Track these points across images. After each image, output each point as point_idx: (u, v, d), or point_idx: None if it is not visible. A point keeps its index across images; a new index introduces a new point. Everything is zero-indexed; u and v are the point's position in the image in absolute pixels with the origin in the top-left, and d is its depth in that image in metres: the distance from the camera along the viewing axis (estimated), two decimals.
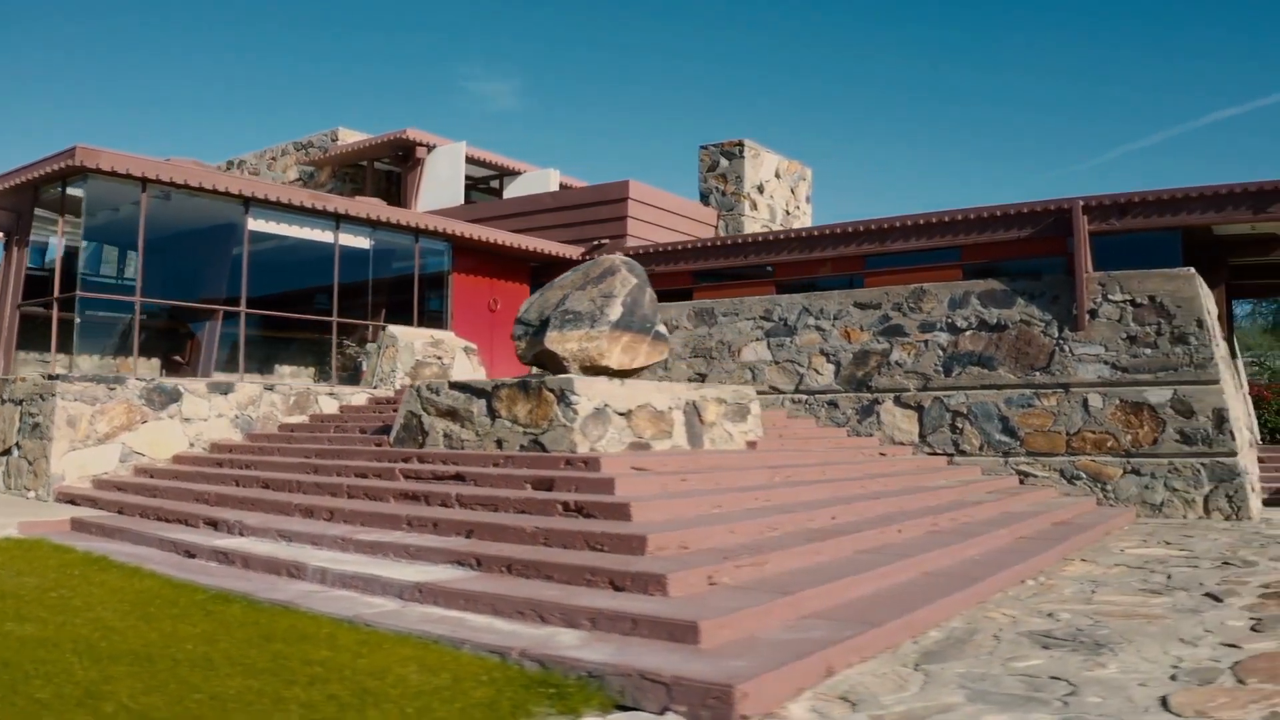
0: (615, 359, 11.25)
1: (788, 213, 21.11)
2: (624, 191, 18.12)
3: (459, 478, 9.72)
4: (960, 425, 14.70)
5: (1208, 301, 14.90)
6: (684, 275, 17.54)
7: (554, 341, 11.14)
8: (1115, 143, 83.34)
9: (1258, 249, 16.13)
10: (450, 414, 11.13)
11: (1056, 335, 14.26)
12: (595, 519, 8.02)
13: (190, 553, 9.00)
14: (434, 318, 16.33)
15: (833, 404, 15.68)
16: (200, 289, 15.59)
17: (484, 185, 22.73)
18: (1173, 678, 5.25)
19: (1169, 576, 8.55)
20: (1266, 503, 14.65)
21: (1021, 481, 14.09)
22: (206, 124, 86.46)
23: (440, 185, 20.35)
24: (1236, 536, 11.43)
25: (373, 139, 20.73)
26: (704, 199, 20.51)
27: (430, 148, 20.72)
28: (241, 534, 9.39)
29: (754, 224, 19.81)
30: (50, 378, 12.11)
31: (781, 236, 16.41)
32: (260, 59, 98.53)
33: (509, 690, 4.97)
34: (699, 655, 5.38)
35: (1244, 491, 12.86)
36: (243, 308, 14.17)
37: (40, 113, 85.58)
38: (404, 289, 16.03)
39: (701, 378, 16.74)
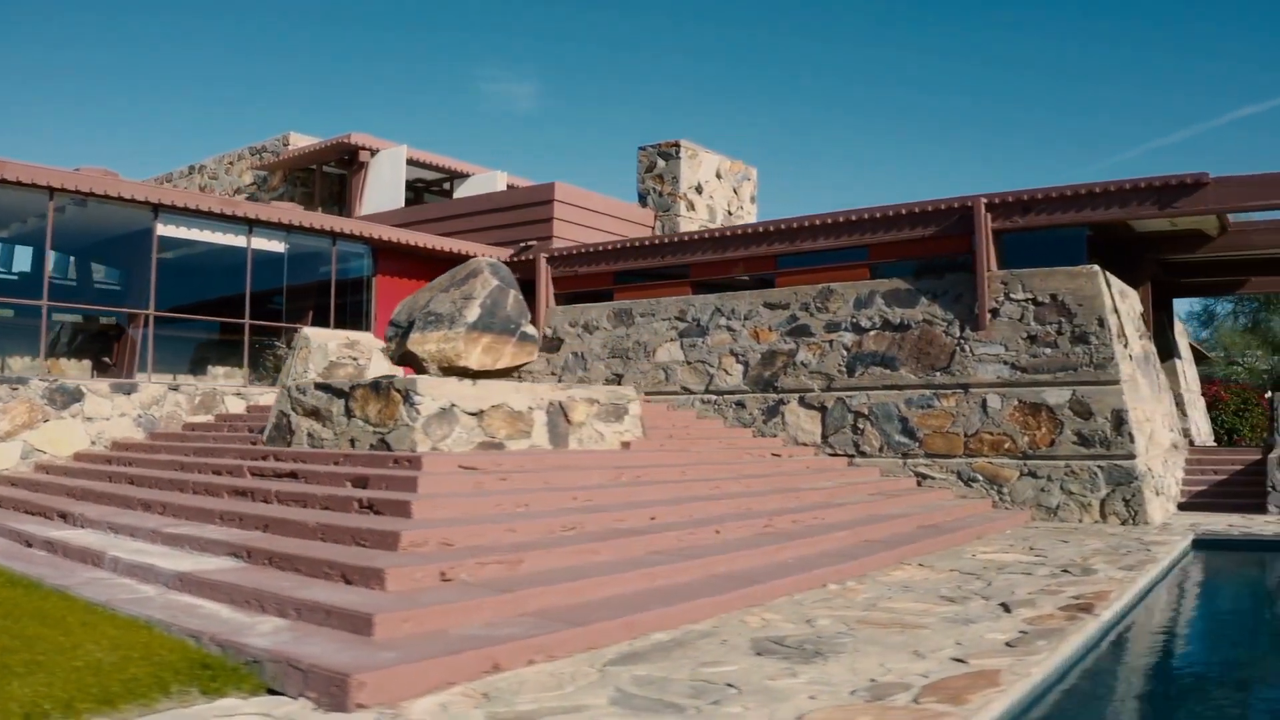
0: (475, 359, 11.33)
1: (730, 213, 21.04)
2: (550, 193, 18.20)
3: (293, 475, 9.87)
4: (861, 426, 14.57)
5: (1124, 301, 14.66)
6: (605, 276, 17.56)
7: (415, 343, 11.25)
8: (1136, 141, 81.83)
9: (1184, 245, 15.81)
10: (314, 414, 11.28)
11: (958, 335, 14.08)
12: (381, 515, 8.10)
13: (28, 542, 9.24)
14: (361, 319, 16.57)
15: (740, 404, 15.62)
16: (127, 294, 15.94)
17: (436, 188, 22.97)
18: (853, 691, 5.07)
19: (988, 584, 8.38)
20: (1185, 506, 14.35)
21: (919, 484, 13.93)
22: (216, 124, 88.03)
23: (383, 188, 20.60)
24: (1109, 542, 11.21)
25: (320, 143, 21.03)
26: (642, 200, 20.52)
27: (374, 151, 20.98)
28: (78, 525, 9.61)
29: (691, 224, 19.77)
30: None
31: (696, 237, 16.38)
32: (270, 60, 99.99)
33: (170, 669, 5.13)
34: (365, 645, 5.45)
35: (1141, 496, 12.60)
36: (151, 310, 14.48)
37: (55, 122, 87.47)
38: (329, 292, 16.27)
39: (618, 378, 16.76)
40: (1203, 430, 19.13)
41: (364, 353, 15.80)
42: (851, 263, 15.33)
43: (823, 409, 14.87)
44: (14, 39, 79.27)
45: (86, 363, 16.47)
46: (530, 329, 12.00)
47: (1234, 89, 77.17)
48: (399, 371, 16.34)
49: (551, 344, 17.74)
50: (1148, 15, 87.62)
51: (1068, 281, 13.57)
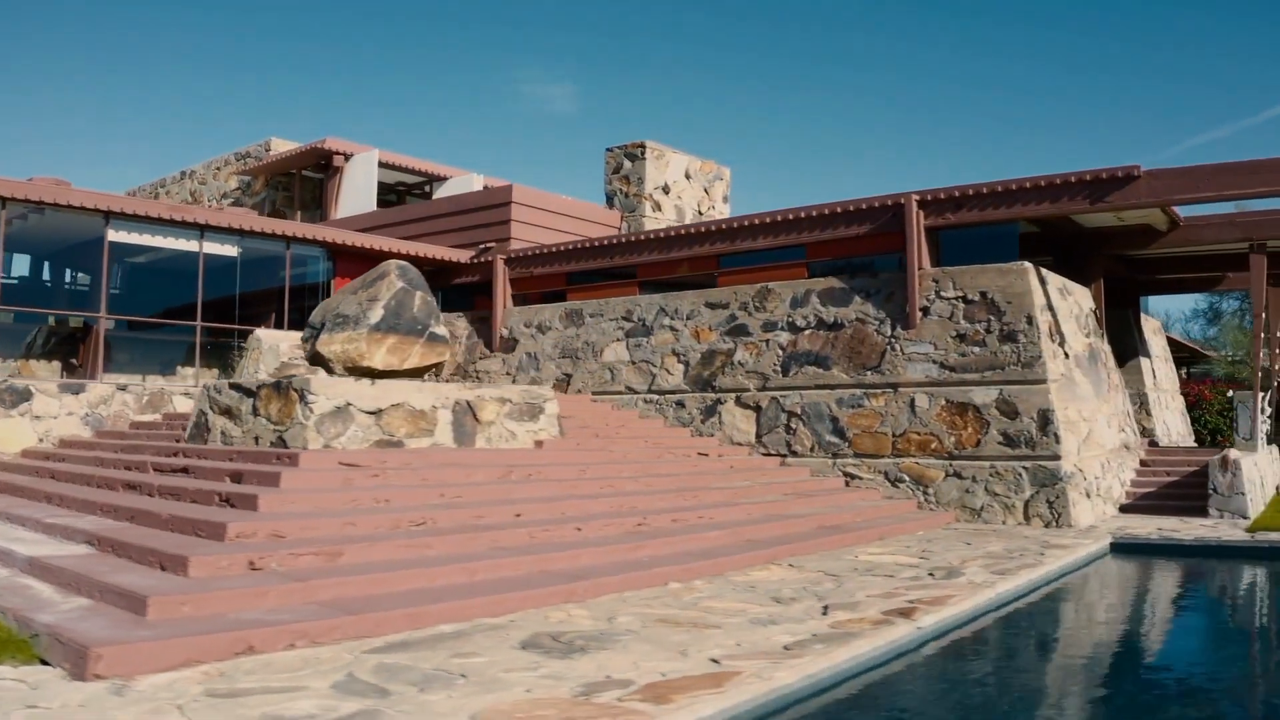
0: (380, 359, 11.68)
1: (700, 213, 21.14)
2: (508, 196, 18.48)
3: (185, 470, 10.30)
4: (794, 426, 14.61)
5: (1066, 298, 14.51)
6: (559, 277, 17.79)
7: (322, 344, 11.63)
8: (1179, 138, 79.76)
9: (1135, 241, 15.60)
10: (227, 412, 11.72)
11: (889, 334, 14.07)
12: (233, 509, 8.43)
13: None
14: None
15: (680, 404, 15.75)
16: (94, 298, 16.64)
17: (418, 191, 23.45)
18: (574, 688, 5.20)
19: (838, 585, 8.29)
20: (1129, 509, 14.15)
21: (847, 484, 13.92)
22: (257, 122, 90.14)
23: (356, 192, 21.10)
24: (1012, 545, 11.13)
25: (297, 148, 21.64)
26: (610, 201, 20.75)
27: (348, 156, 21.50)
28: None
29: (657, 224, 19.94)
30: None
31: (642, 238, 16.55)
32: (313, 63, 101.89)
33: None
34: (133, 624, 5.79)
35: (1065, 498, 12.49)
36: (102, 314, 15.13)
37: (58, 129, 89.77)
38: (291, 294, 16.80)
39: (568, 378, 17.00)
40: (1173, 431, 18.75)
41: None
42: (790, 262, 15.39)
43: (758, 409, 14.96)
44: (10, 45, 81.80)
45: (57, 364, 17.19)
46: (440, 330, 12.32)
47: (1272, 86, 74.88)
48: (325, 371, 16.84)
49: (507, 344, 18.06)
50: (1189, 11, 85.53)
51: (998, 279, 13.49)
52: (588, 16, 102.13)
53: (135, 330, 17.94)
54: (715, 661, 5.82)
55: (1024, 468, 12.78)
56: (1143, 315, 19.24)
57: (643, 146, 20.00)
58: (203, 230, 15.22)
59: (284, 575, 6.95)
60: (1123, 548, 11.40)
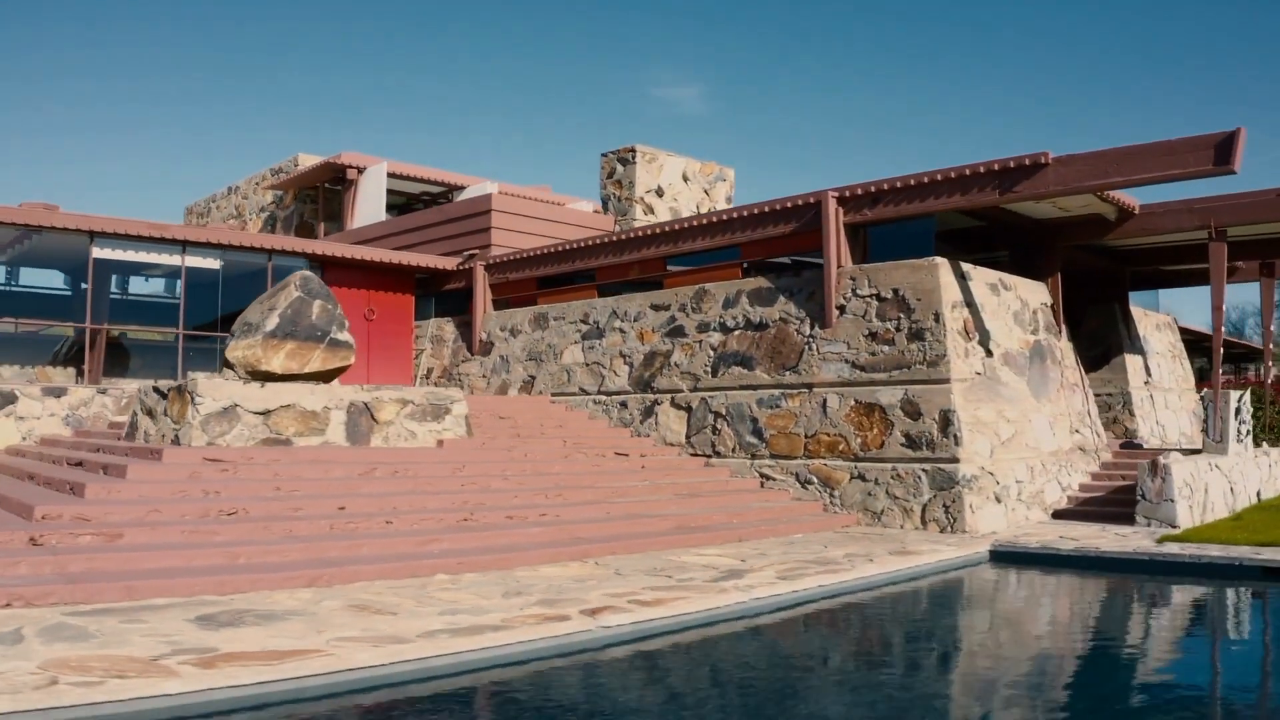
0: (278, 364, 12.72)
1: None
2: (488, 204, 19.27)
3: (80, 464, 11.66)
4: (719, 427, 14.80)
5: (999, 294, 14.16)
6: (530, 282, 18.47)
7: (229, 350, 12.80)
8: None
9: (1091, 231, 14.98)
10: (149, 412, 13.03)
11: (808, 333, 14.09)
12: (72, 495, 9.61)
13: None
14: None
15: (624, 405, 16.16)
16: (98, 310, 18.67)
17: (442, 200, 24.56)
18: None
19: (604, 582, 8.80)
20: (1064, 514, 13.63)
21: (762, 485, 13.99)
22: (412, 130, 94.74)
23: (369, 203, 22.46)
24: (868, 549, 11.15)
25: (316, 163, 23.21)
26: (605, 205, 21.32)
27: (361, 170, 22.90)
28: None
29: None
30: None
31: (597, 242, 17.07)
32: (470, 81, 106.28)
33: None
34: None
35: (960, 502, 12.23)
36: (88, 324, 16.98)
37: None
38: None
39: (533, 379, 17.70)
40: (1176, 432, 17.68)
41: None
42: (727, 263, 15.59)
43: (689, 410, 15.24)
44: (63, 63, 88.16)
45: (72, 370, 19.25)
46: (343, 336, 13.28)
47: None
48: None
49: (485, 348, 18.94)
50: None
51: (910, 275, 13.33)
52: (717, 16, 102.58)
53: (135, 338, 19.91)
54: (346, 640, 6.44)
55: (923, 470, 12.62)
56: (1141, 310, 18.33)
57: (633, 150, 20.52)
58: (184, 245, 16.79)
59: (52, 549, 8.00)
60: (1002, 556, 11.13)
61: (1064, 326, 15.51)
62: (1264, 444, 17.75)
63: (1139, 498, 12.69)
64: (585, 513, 11.50)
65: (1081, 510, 13.68)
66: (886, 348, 13.27)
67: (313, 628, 6.70)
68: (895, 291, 13.34)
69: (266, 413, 11.93)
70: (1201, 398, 15.20)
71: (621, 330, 16.47)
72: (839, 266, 13.90)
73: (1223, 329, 13.84)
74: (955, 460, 12.38)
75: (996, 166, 12.66)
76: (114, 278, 19.66)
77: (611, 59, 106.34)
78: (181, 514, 9.31)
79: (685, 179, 21.37)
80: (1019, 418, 13.64)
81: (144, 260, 16.91)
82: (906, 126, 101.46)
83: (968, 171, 12.86)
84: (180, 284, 17.17)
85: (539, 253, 18.04)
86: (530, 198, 21.63)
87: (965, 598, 9.99)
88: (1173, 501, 12.39)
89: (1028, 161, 12.38)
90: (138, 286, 21.42)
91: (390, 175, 22.65)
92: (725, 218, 15.30)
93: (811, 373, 13.90)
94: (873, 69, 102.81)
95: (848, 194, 13.89)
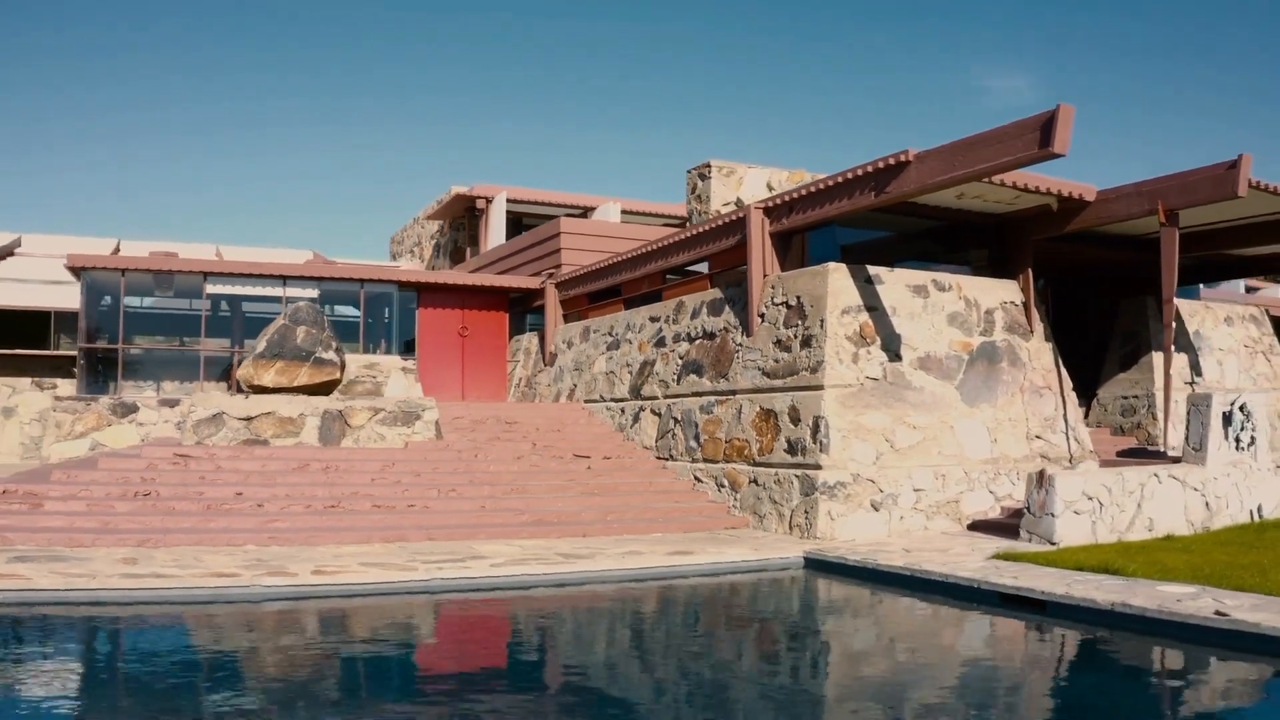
0: (270, 379, 16.22)
1: None
2: (557, 228, 21.71)
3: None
4: (675, 431, 16.04)
5: (930, 295, 14.17)
6: (582, 298, 20.64)
7: (239, 369, 16.62)
8: None
9: (1052, 224, 14.31)
10: None
11: (738, 342, 15.04)
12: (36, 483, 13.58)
13: None
14: (405, 345, 22.07)
15: (623, 410, 17.79)
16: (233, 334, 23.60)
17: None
18: None
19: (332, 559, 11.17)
20: (981, 526, 13.39)
21: (694, 486, 15.11)
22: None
23: (494, 230, 25.67)
24: (681, 549, 12.29)
25: (450, 196, 27.02)
26: (690, 219, 22.66)
27: (490, 200, 26.14)
28: None
29: None
30: (60, 400, 20.72)
31: (621, 259, 18.83)
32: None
33: None
34: None
35: (816, 508, 12.60)
36: (201, 348, 21.78)
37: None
38: (367, 326, 22.23)
39: (574, 388, 19.86)
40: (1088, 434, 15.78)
41: (382, 371, 21.35)
42: (702, 275, 16.89)
43: (659, 415, 16.68)
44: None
45: (223, 384, 24.40)
46: (328, 355, 16.54)
47: None
48: (418, 389, 21.64)
49: (551, 359, 21.38)
50: None
51: (808, 282, 13.89)
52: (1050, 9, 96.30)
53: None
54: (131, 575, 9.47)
55: (796, 476, 13.25)
56: (1202, 304, 16.70)
57: (709, 166, 21.87)
58: (285, 280, 21.08)
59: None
60: (815, 564, 11.45)
61: (1042, 325, 15.01)
62: None
63: (1025, 510, 12.46)
64: (459, 505, 13.68)
65: (1009, 523, 13.43)
66: (785, 354, 14.02)
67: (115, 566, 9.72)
68: (798, 299, 14.05)
69: (249, 419, 15.41)
70: (1188, 402, 14.05)
71: (629, 341, 18.24)
72: (764, 275, 14.83)
73: (1173, 326, 12.97)
74: (818, 466, 12.97)
75: (870, 168, 12.95)
76: (242, 305, 24.44)
77: (928, 50, 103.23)
78: (106, 493, 12.86)
79: (770, 188, 22.32)
80: (932, 424, 13.71)
81: (253, 293, 21.40)
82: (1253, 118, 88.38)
83: (849, 175, 13.24)
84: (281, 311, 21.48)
85: (583, 271, 20.27)
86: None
87: (705, 598, 10.91)
88: (1053, 516, 12.06)
89: (893, 160, 12.62)
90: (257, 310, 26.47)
91: (511, 201, 25.93)
92: (695, 232, 16.62)
93: (735, 380, 14.92)
94: (1233, 56, 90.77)
95: (770, 204, 14.77)
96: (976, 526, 13.59)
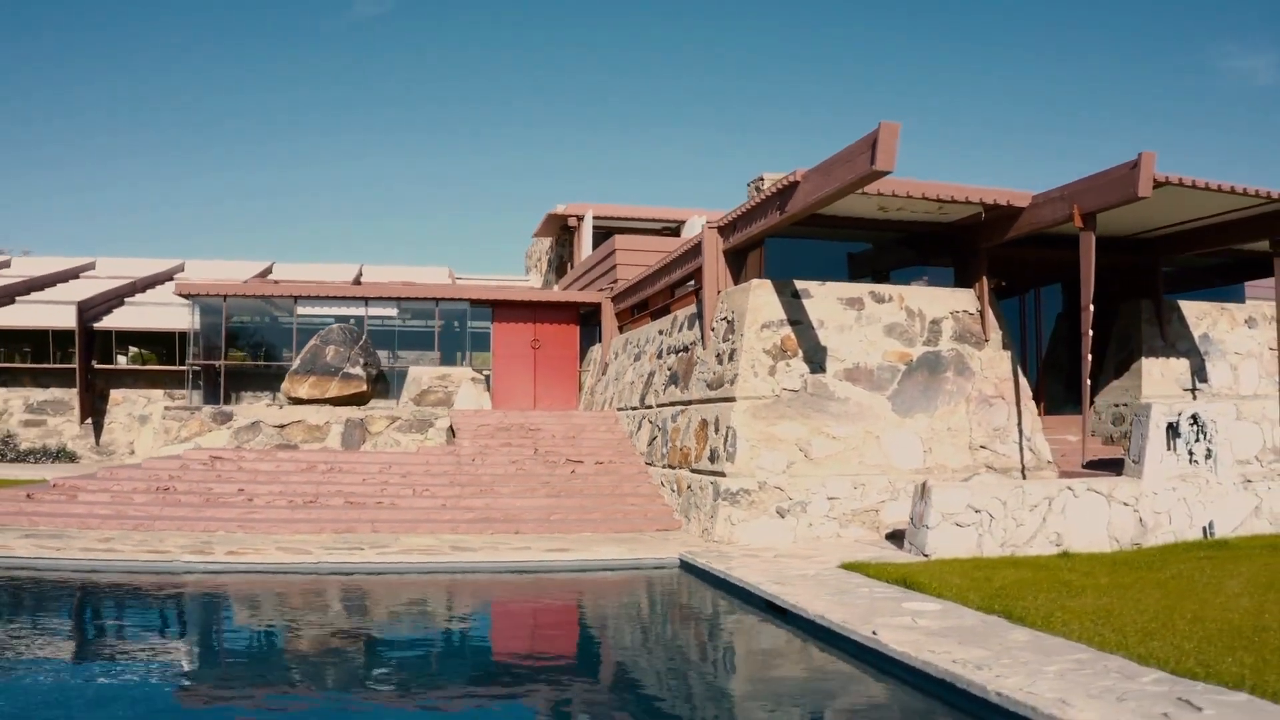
0: (304, 392, 19.15)
1: None
2: (612, 246, 23.41)
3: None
4: (656, 438, 17.46)
5: (864, 308, 14.90)
6: (626, 312, 22.42)
7: (283, 384, 19.71)
8: None
9: (994, 232, 14.66)
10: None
11: (698, 355, 16.35)
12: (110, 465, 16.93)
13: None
14: (478, 357, 24.69)
15: (631, 419, 19.37)
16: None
17: (668, 234, 28.49)
18: None
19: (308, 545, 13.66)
20: (894, 536, 13.87)
21: (659, 491, 16.61)
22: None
23: (585, 246, 27.74)
24: (569, 545, 13.91)
25: (548, 215, 29.32)
26: None
27: (581, 217, 28.19)
28: None
29: None
30: (168, 409, 24.58)
31: (645, 275, 20.39)
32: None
33: None
34: None
35: (716, 514, 13.59)
36: (293, 363, 25.09)
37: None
38: (441, 339, 24.96)
39: (612, 397, 21.61)
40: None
41: (454, 382, 24.06)
42: (690, 290, 18.30)
43: (652, 423, 18.19)
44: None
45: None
46: (354, 370, 19.31)
47: None
48: (486, 399, 24.24)
49: (605, 368, 23.30)
50: None
51: (738, 298, 14.88)
52: None
53: None
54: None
55: (710, 482, 14.41)
56: (1215, 306, 16.25)
57: (761, 179, 22.96)
58: (366, 301, 24.21)
59: (44, 500, 15.31)
60: (687, 567, 12.43)
61: (1000, 334, 15.37)
62: None
63: (909, 522, 13.16)
64: (423, 503, 15.76)
65: None
66: (719, 367, 15.30)
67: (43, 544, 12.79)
68: (732, 314, 15.33)
69: (282, 426, 18.43)
70: (1140, 409, 14.06)
71: (645, 353, 19.84)
72: (718, 292, 16.17)
73: (1090, 332, 13.26)
74: (723, 474, 14.18)
75: (775, 188, 13.87)
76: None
77: (1170, 30, 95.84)
78: (132, 488, 15.98)
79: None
80: (854, 434, 14.50)
81: (337, 313, 24.66)
82: None
83: (764, 195, 14.29)
84: (364, 328, 24.63)
85: (626, 286, 22.09)
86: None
87: (531, 590, 12.32)
88: (928, 528, 12.74)
89: (787, 181, 13.67)
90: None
91: (598, 218, 28.11)
92: (683, 250, 18.11)
93: (690, 391, 16.29)
94: None
95: (722, 223, 16.07)
96: (894, 536, 14.31)
